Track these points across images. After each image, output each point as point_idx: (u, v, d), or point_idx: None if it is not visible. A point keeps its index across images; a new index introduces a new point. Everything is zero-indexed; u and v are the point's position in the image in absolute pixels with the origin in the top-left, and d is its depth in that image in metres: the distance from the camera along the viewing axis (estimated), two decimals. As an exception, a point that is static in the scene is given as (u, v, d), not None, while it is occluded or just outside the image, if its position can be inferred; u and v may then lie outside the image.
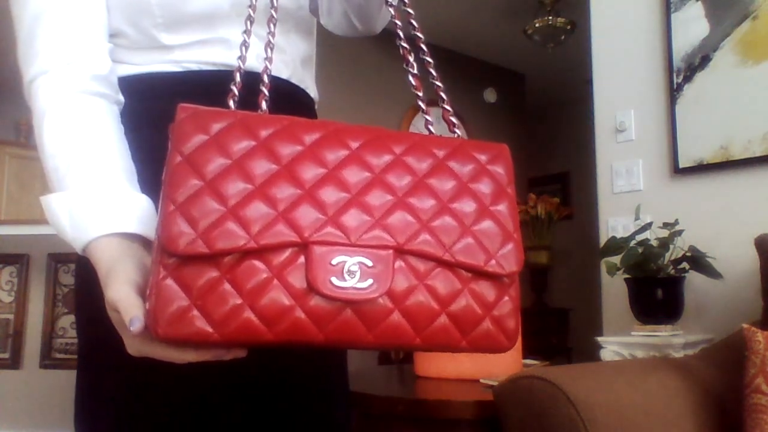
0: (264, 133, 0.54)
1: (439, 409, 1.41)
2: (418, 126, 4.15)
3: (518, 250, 0.58)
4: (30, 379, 2.77)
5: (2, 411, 2.73)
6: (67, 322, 2.81)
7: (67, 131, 0.66)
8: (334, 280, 0.51)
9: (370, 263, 0.53)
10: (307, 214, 0.52)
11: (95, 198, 0.62)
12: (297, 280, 0.51)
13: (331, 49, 3.26)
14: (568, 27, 3.68)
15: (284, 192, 0.53)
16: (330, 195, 0.54)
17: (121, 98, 0.74)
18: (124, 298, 0.54)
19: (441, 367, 1.72)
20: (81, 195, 0.62)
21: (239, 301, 0.50)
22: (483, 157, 0.61)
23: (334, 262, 0.52)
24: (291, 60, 0.84)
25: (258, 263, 0.51)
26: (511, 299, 0.58)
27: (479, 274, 0.57)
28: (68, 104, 0.67)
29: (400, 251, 0.54)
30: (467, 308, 0.56)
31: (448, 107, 0.66)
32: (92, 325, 0.71)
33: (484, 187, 0.59)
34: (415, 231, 0.55)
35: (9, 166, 5.36)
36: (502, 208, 0.59)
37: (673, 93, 2.17)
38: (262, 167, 0.53)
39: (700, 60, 2.11)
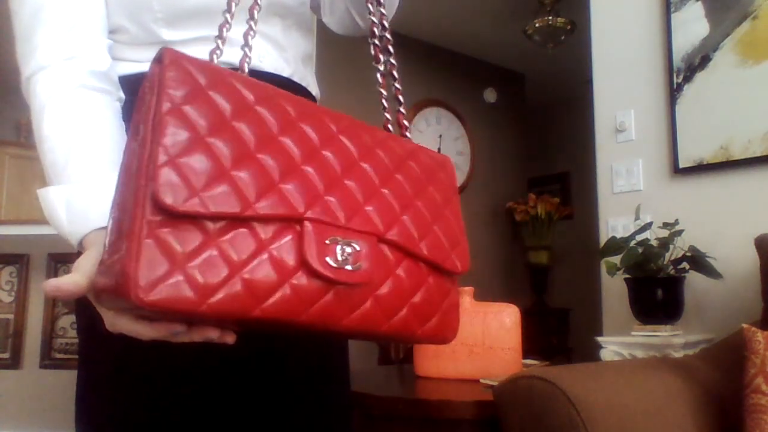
0: (251, 97, 0.52)
1: (439, 409, 1.41)
2: (417, 126, 4.15)
3: (466, 252, 0.62)
4: (30, 379, 2.77)
5: (2, 411, 2.72)
6: (67, 322, 2.80)
7: (66, 125, 0.66)
8: (328, 259, 0.51)
9: (358, 248, 0.53)
10: (301, 190, 0.51)
11: (92, 191, 0.62)
12: (287, 255, 0.49)
13: (331, 47, 3.26)
14: (568, 27, 3.67)
15: (278, 164, 0.51)
16: (321, 175, 0.53)
17: (122, 95, 0.74)
18: (82, 265, 0.54)
19: (441, 367, 1.71)
20: (79, 188, 0.62)
21: (226, 270, 0.47)
22: (433, 164, 0.64)
23: (327, 241, 0.51)
24: (292, 58, 0.84)
25: (248, 232, 0.48)
26: (454, 296, 0.62)
27: (435, 269, 0.59)
28: (67, 99, 0.67)
29: (382, 240, 0.55)
30: (424, 301, 0.58)
31: (403, 110, 0.68)
32: (92, 325, 0.71)
33: (435, 191, 0.62)
34: (394, 221, 0.56)
35: (9, 166, 5.35)
36: (449, 213, 0.63)
37: (673, 93, 2.17)
38: (254, 135, 0.50)
39: (700, 60, 2.11)
